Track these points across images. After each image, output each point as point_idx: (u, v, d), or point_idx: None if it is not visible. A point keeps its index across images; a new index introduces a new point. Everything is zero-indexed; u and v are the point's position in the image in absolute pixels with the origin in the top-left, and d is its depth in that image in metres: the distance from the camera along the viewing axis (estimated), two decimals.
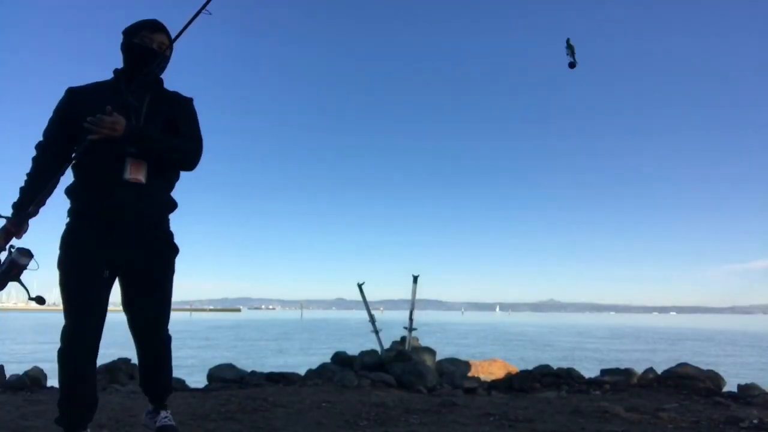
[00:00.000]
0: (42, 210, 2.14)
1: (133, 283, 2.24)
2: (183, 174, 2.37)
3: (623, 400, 4.36)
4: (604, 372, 6.26)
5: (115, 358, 6.47)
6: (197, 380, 6.75)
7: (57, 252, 2.15)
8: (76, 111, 2.09)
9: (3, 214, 2.05)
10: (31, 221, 2.11)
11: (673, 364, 5.97)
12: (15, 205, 2.10)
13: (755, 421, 3.21)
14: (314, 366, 6.94)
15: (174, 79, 2.39)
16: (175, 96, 2.32)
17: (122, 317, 2.29)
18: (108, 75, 2.28)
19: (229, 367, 6.77)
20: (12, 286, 2.07)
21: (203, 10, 2.16)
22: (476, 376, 7.34)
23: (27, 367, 6.05)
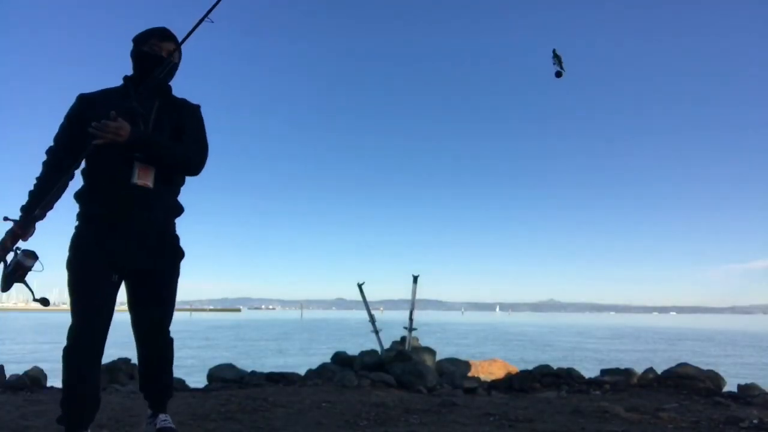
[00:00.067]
0: (51, 214, 2.18)
1: (138, 285, 2.28)
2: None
3: (623, 400, 4.35)
4: (604, 372, 6.26)
5: (115, 358, 6.48)
6: (197, 380, 6.75)
7: (60, 254, 2.20)
8: (86, 117, 2.13)
9: (10, 218, 2.08)
10: (39, 224, 2.15)
11: (673, 364, 5.97)
12: (23, 208, 2.15)
13: (755, 421, 3.21)
14: (314, 366, 6.94)
15: (174, 80, 2.42)
16: (183, 103, 2.37)
17: (123, 317, 2.31)
18: (118, 81, 2.33)
19: (229, 367, 6.77)
20: (17, 287, 2.10)
21: (206, 18, 2.20)
22: (476, 376, 7.34)
23: (27, 367, 6.05)
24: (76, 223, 2.24)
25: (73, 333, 2.11)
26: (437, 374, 6.79)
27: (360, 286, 8.83)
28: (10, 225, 2.10)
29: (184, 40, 2.25)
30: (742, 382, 5.55)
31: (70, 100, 2.28)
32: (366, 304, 8.83)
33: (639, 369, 6.24)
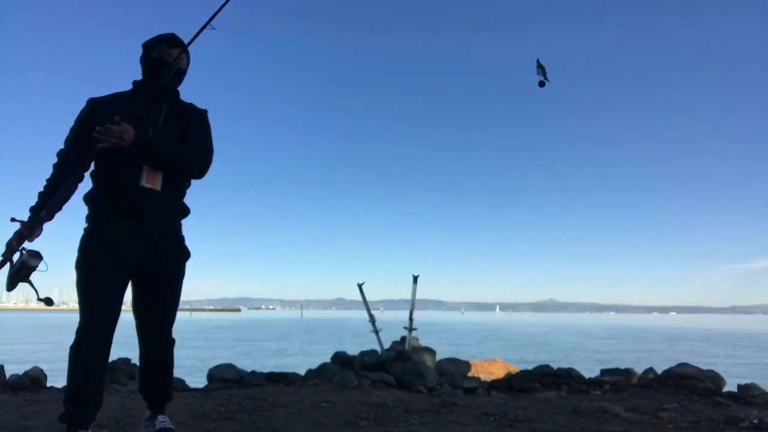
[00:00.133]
0: (59, 215, 2.24)
1: (144, 285, 2.32)
2: None
3: (623, 400, 4.35)
4: (604, 372, 6.26)
5: (115, 358, 6.48)
6: (197, 380, 6.75)
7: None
8: (95, 120, 2.18)
9: (17, 218, 2.13)
10: (48, 225, 2.20)
11: (673, 364, 5.96)
12: (32, 209, 2.20)
13: (755, 421, 3.21)
14: (314, 366, 6.94)
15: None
16: (191, 108, 2.43)
17: (125, 317, 2.32)
18: (127, 84, 2.38)
19: (229, 367, 6.77)
20: (22, 286, 2.14)
21: (207, 26, 2.25)
22: (476, 376, 7.34)
23: (27, 367, 6.05)
24: (85, 225, 2.29)
25: (81, 332, 2.15)
26: (437, 374, 6.79)
27: (360, 286, 8.83)
28: (17, 226, 2.14)
29: (186, 46, 2.32)
30: (742, 382, 5.55)
31: (78, 104, 2.34)
32: (366, 304, 8.82)
33: (639, 369, 6.24)
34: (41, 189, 2.24)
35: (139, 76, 2.38)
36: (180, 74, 2.37)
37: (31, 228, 2.13)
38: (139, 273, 2.28)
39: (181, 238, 2.41)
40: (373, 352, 7.34)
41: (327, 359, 7.48)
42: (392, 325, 10.10)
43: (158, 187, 2.24)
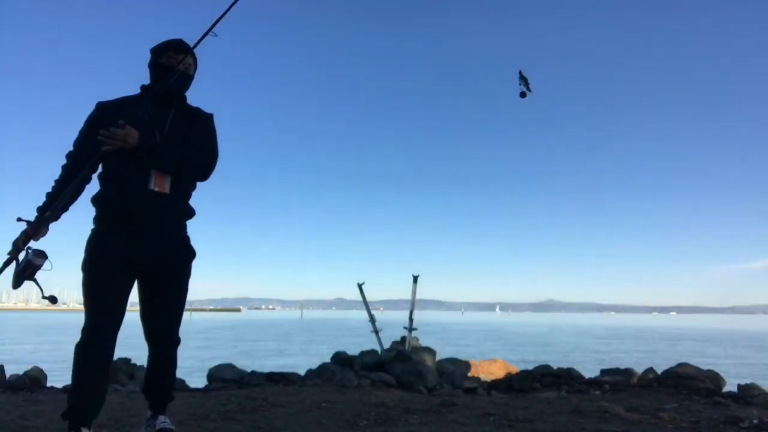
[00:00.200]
0: (66, 216, 2.30)
1: (151, 285, 2.37)
2: None
3: (623, 400, 4.35)
4: (604, 372, 6.26)
5: (115, 358, 6.45)
6: (197, 380, 6.75)
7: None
8: (103, 124, 2.22)
9: (23, 218, 2.19)
10: (55, 226, 2.25)
11: (673, 364, 5.97)
12: (39, 209, 2.25)
13: (755, 421, 3.21)
14: (314, 366, 6.93)
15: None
16: (197, 112, 2.48)
17: (127, 317, 2.34)
18: (134, 87, 2.44)
19: (229, 367, 6.77)
20: (27, 285, 2.18)
21: (210, 32, 2.29)
22: (476, 376, 7.34)
23: (27, 367, 6.06)
24: (92, 227, 2.33)
25: (86, 332, 2.19)
26: (437, 374, 6.79)
27: (360, 286, 8.82)
28: (24, 225, 2.19)
29: (191, 49, 2.37)
30: (742, 382, 5.55)
31: (88, 106, 2.40)
32: (366, 304, 8.82)
33: (639, 369, 6.24)
34: (49, 190, 2.29)
35: (147, 80, 2.43)
36: (186, 79, 2.42)
37: (36, 228, 2.18)
38: (146, 274, 2.33)
39: (187, 239, 2.46)
40: (373, 352, 7.34)
41: (327, 359, 7.47)
42: (392, 325, 10.09)
43: (167, 190, 2.30)
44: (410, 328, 8.32)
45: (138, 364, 7.00)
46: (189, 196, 2.46)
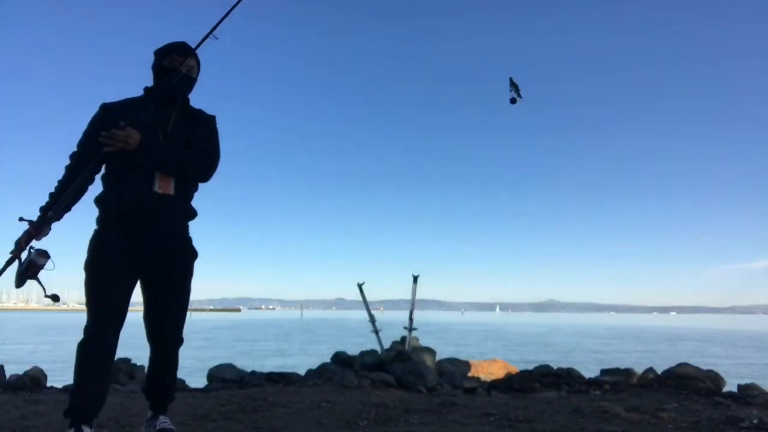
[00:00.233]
0: (69, 216, 2.34)
1: (154, 286, 2.39)
2: None
3: (623, 400, 4.35)
4: (604, 372, 6.26)
5: (115, 357, 6.46)
6: (197, 380, 6.75)
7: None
8: (106, 125, 2.25)
9: (25, 218, 2.21)
10: (57, 226, 2.28)
11: (673, 364, 5.97)
12: (41, 209, 2.28)
13: (755, 421, 3.21)
14: (314, 366, 6.94)
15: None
16: (200, 114, 2.51)
17: (129, 318, 2.35)
18: (136, 89, 2.46)
19: (229, 367, 6.77)
20: (29, 283, 2.22)
21: (210, 35, 2.32)
22: (476, 376, 7.34)
23: (27, 367, 6.06)
24: (95, 227, 2.35)
25: (89, 331, 2.21)
26: (437, 374, 6.79)
27: (360, 286, 8.82)
28: (26, 226, 2.22)
29: (193, 51, 2.39)
30: (742, 382, 5.55)
31: (92, 108, 2.43)
32: (366, 304, 8.82)
33: (639, 369, 6.24)
34: (52, 190, 2.32)
35: (149, 82, 2.45)
36: (188, 81, 2.44)
37: (38, 227, 2.21)
38: (148, 274, 2.35)
39: (189, 239, 2.48)
40: (373, 352, 7.34)
41: (327, 359, 7.47)
42: (392, 325, 10.09)
43: (171, 192, 2.33)
44: (410, 328, 8.32)
45: (138, 364, 7.01)
46: (191, 197, 2.48)
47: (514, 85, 3.36)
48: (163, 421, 2.47)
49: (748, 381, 5.59)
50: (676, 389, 5.01)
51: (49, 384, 5.61)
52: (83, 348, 2.20)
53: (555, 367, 6.32)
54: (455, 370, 7.18)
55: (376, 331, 8.24)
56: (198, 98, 2.53)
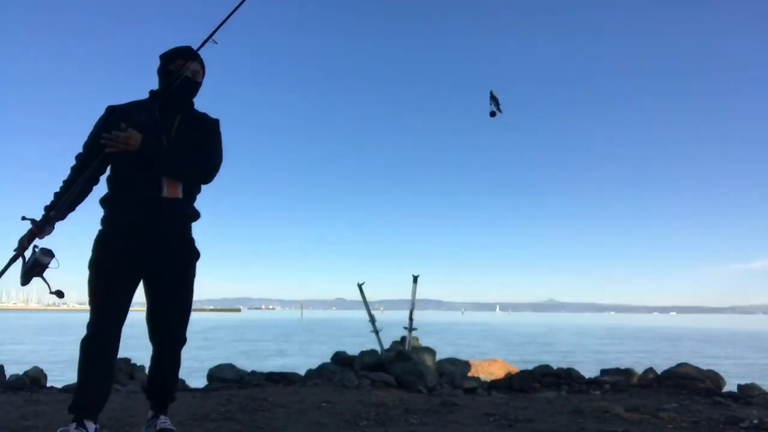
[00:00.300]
0: (74, 215, 2.39)
1: (157, 286, 2.41)
2: None
3: (623, 400, 4.36)
4: (604, 372, 6.27)
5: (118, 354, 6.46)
6: (197, 380, 6.76)
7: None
8: (112, 127, 2.28)
9: (28, 217, 2.24)
10: (61, 226, 2.30)
11: (673, 364, 5.98)
12: (45, 208, 2.31)
13: (755, 421, 3.21)
14: (314, 366, 6.95)
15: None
16: (203, 117, 2.54)
17: (130, 318, 2.37)
18: (141, 92, 2.50)
19: (229, 367, 6.78)
20: (31, 283, 2.26)
21: (209, 40, 2.36)
22: (476, 376, 7.35)
23: (27, 367, 6.06)
24: (100, 227, 2.40)
25: (92, 327, 2.25)
26: (437, 374, 6.80)
27: (360, 286, 8.83)
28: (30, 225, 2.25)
29: (188, 59, 2.41)
30: (742, 382, 5.56)
31: (98, 110, 2.47)
32: (366, 304, 8.83)
33: (639, 369, 6.25)
34: (58, 189, 2.36)
35: (152, 84, 2.49)
36: (192, 85, 2.47)
37: (41, 226, 2.24)
38: (151, 275, 2.39)
39: (192, 240, 2.51)
40: (373, 352, 7.34)
41: (327, 359, 7.48)
42: (392, 325, 10.10)
43: (180, 196, 2.38)
44: (410, 328, 8.33)
45: (138, 364, 7.01)
46: (194, 199, 2.52)
47: (494, 99, 3.47)
48: (164, 421, 2.48)
49: (748, 381, 5.60)
50: (676, 389, 5.02)
51: (49, 384, 5.62)
52: (84, 345, 2.24)
53: (555, 367, 6.33)
54: (455, 370, 7.19)
55: (376, 331, 8.24)
56: (198, 99, 2.54)
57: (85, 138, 2.42)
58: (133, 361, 7.05)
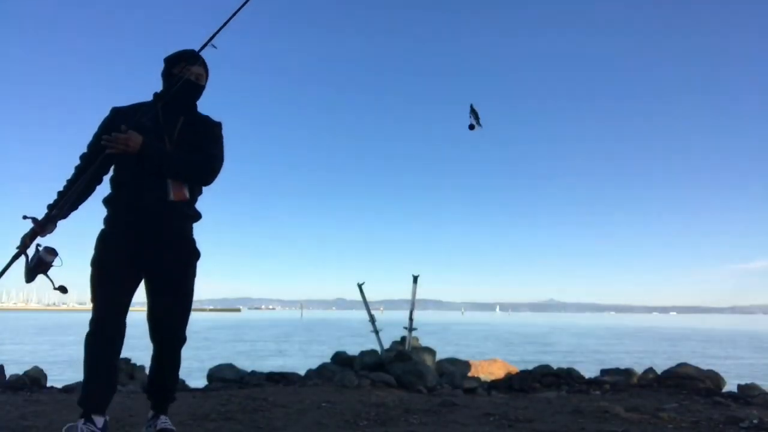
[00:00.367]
0: (76, 214, 2.42)
1: (158, 285, 2.43)
2: None
3: (623, 400, 4.36)
4: (604, 372, 6.27)
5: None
6: (197, 380, 6.76)
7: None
8: (115, 129, 2.30)
9: (29, 216, 2.27)
10: (65, 224, 2.35)
11: (673, 364, 5.98)
12: (48, 207, 2.34)
13: (755, 421, 3.21)
14: (314, 366, 6.95)
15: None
16: (206, 120, 2.57)
17: (130, 318, 2.38)
18: (140, 91, 2.57)
19: (229, 367, 6.78)
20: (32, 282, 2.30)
21: (209, 44, 2.38)
22: (476, 376, 7.35)
23: (27, 367, 6.07)
24: (102, 227, 2.42)
25: (94, 323, 2.27)
26: (437, 374, 6.80)
27: (360, 286, 8.84)
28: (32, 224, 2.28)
29: (188, 62, 2.43)
30: (742, 382, 5.56)
31: (103, 111, 2.50)
32: (366, 304, 8.83)
33: (639, 369, 6.25)
34: (61, 188, 2.39)
35: (155, 85, 2.51)
36: (194, 88, 2.49)
37: (43, 225, 2.27)
38: (151, 274, 2.41)
39: (192, 240, 2.53)
40: (373, 352, 7.35)
41: (327, 359, 7.49)
42: (392, 325, 10.10)
43: (186, 198, 2.41)
44: (410, 328, 8.34)
45: (138, 364, 7.02)
46: (195, 200, 2.54)
47: (474, 112, 3.51)
48: (164, 421, 2.49)
49: (748, 381, 5.60)
50: (676, 389, 5.02)
51: (49, 384, 5.62)
52: (90, 340, 2.27)
53: (555, 367, 6.33)
54: (455, 370, 7.19)
55: (376, 331, 8.25)
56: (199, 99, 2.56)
57: (90, 138, 2.45)
58: (133, 361, 7.06)
